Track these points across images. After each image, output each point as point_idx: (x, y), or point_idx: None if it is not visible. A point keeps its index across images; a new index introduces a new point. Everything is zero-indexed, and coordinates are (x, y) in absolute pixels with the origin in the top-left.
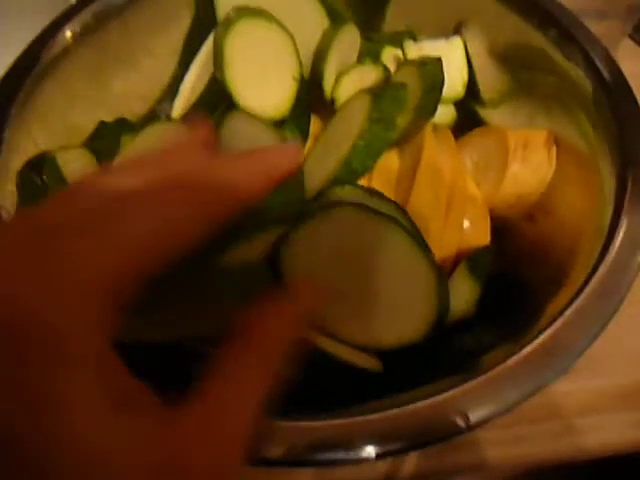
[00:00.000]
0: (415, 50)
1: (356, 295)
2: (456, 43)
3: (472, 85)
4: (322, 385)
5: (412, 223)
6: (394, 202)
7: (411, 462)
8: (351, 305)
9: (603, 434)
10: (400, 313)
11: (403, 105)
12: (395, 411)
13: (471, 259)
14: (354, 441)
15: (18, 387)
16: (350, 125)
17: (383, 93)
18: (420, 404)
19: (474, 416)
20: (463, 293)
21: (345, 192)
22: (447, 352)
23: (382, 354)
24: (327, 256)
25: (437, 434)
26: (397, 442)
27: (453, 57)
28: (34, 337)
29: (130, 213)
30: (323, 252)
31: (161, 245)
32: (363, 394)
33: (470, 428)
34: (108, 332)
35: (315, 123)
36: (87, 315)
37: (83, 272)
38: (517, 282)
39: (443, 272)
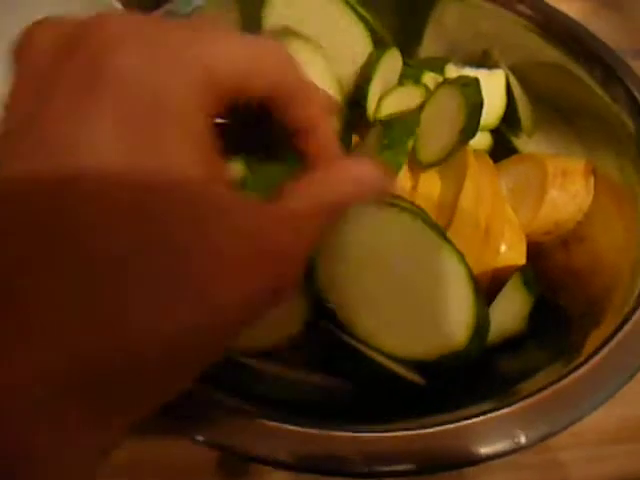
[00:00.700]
0: (456, 75)
1: (392, 302)
2: (498, 73)
3: (511, 114)
4: (368, 398)
5: (440, 229)
6: (421, 209)
7: None
8: (388, 312)
9: (628, 463)
10: (437, 321)
11: (413, 131)
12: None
13: (524, 272)
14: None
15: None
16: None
17: (393, 121)
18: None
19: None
20: (517, 307)
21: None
22: (493, 371)
23: (427, 372)
24: (361, 259)
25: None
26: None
27: (494, 85)
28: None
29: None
30: (356, 255)
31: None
32: (406, 411)
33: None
34: (209, 114)
35: (355, 142)
36: (191, 91)
37: (195, 64)
38: (555, 308)
39: (479, 286)
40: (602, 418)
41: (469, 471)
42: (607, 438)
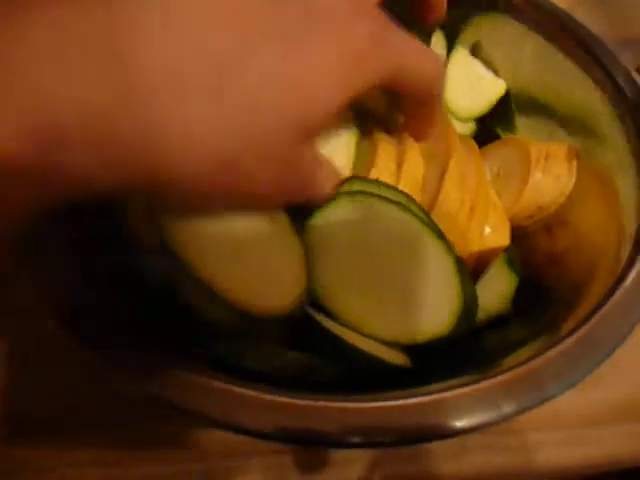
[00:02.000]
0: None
1: (379, 288)
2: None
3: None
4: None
5: (424, 211)
6: (404, 193)
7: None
8: (375, 299)
9: (605, 446)
10: (425, 305)
11: None
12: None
13: (508, 252)
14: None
15: None
16: None
17: None
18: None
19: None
20: (502, 287)
21: (354, 186)
22: (479, 349)
23: (413, 351)
24: (343, 247)
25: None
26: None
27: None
28: None
29: None
30: (338, 243)
31: None
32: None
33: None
34: None
35: None
36: None
37: None
38: (540, 287)
39: (466, 266)
40: (581, 401)
41: (444, 453)
42: (586, 421)
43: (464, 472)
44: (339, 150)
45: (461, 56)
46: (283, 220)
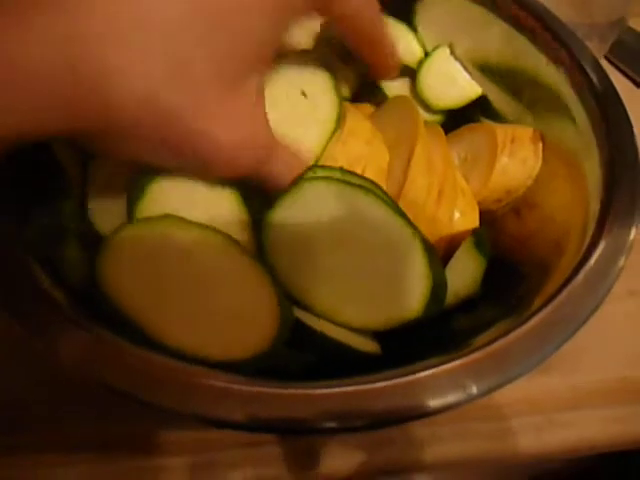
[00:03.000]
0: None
1: (347, 275)
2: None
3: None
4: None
5: (389, 197)
6: (368, 179)
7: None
8: (343, 285)
9: (582, 430)
10: (393, 290)
11: None
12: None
13: (476, 234)
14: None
15: None
16: None
17: None
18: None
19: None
20: (470, 269)
21: (318, 173)
22: (448, 331)
23: (383, 337)
24: (310, 236)
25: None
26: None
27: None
28: None
29: None
30: (304, 232)
31: None
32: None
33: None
34: None
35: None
36: None
37: None
38: (508, 267)
39: (435, 249)
40: (556, 386)
41: (417, 439)
42: (562, 406)
43: (439, 459)
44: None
45: (442, 53)
46: (239, 248)
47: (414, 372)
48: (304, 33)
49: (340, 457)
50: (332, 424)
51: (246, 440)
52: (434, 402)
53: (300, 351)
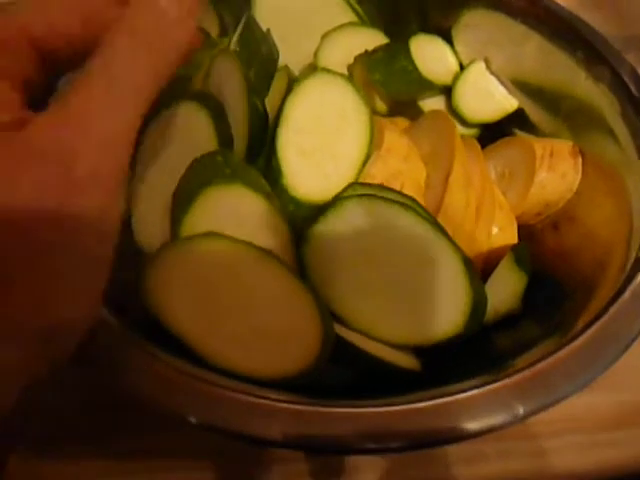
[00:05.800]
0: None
1: (388, 291)
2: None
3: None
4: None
5: (428, 213)
6: (408, 196)
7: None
8: (384, 302)
9: (626, 449)
10: (433, 306)
11: None
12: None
13: (516, 250)
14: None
15: None
16: None
17: None
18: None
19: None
20: (511, 285)
21: (358, 191)
22: (489, 349)
23: (423, 353)
24: (350, 251)
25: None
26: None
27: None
28: None
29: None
30: (345, 248)
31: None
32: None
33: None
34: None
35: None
36: None
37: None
38: (550, 285)
39: (474, 265)
40: (598, 405)
41: (461, 458)
42: (604, 425)
43: (480, 478)
44: None
45: (478, 68)
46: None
47: (456, 393)
48: (337, 52)
49: (379, 474)
50: (372, 445)
51: (284, 455)
52: (476, 424)
53: (340, 367)
